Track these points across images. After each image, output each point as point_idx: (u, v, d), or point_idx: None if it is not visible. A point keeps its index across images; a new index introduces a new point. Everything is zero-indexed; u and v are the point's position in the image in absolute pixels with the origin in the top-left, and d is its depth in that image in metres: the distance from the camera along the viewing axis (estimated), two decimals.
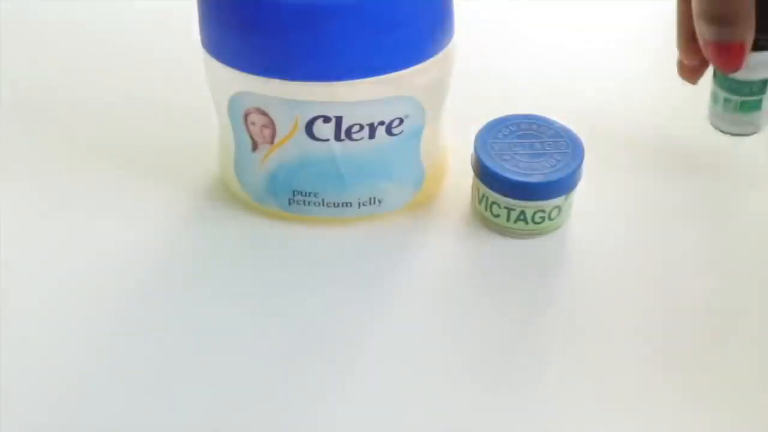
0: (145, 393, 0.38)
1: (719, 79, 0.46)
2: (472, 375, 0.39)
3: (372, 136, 0.42)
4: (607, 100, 0.52)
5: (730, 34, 0.41)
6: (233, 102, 0.42)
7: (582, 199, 0.45)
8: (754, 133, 0.47)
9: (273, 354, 0.40)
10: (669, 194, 0.47)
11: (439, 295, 0.42)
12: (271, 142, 0.42)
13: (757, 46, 0.43)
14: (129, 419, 0.37)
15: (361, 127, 0.41)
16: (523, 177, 0.43)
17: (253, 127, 0.42)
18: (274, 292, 0.42)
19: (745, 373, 0.39)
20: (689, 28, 0.44)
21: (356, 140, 0.42)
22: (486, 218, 0.45)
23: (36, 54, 0.57)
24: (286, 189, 0.44)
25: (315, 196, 0.44)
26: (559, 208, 0.44)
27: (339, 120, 0.41)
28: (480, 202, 0.45)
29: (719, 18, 0.41)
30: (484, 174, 0.44)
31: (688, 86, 0.47)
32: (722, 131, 0.47)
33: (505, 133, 0.45)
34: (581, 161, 0.43)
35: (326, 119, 0.41)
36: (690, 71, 0.46)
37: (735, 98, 0.45)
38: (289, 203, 0.45)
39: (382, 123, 0.42)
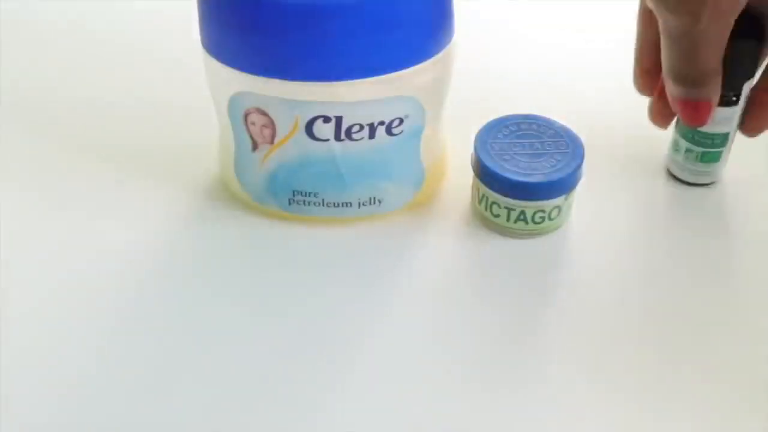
0: (145, 393, 0.38)
1: (683, 129, 0.46)
2: (472, 375, 0.39)
3: (372, 136, 0.42)
4: (607, 100, 0.52)
5: (697, 94, 0.42)
6: (233, 102, 0.42)
7: (582, 199, 0.45)
8: (711, 183, 0.47)
9: (273, 354, 0.40)
10: (669, 194, 0.47)
11: (439, 295, 0.42)
12: (271, 142, 0.42)
13: (723, 102, 0.43)
14: (129, 419, 0.37)
15: (361, 127, 0.41)
16: (523, 177, 0.43)
17: (253, 127, 0.42)
18: (274, 292, 0.42)
19: (745, 373, 0.39)
20: (648, 57, 0.44)
21: (356, 140, 0.42)
22: (486, 218, 0.45)
23: (36, 54, 0.57)
24: (286, 189, 0.44)
25: (315, 196, 0.44)
26: (559, 208, 0.44)
27: (339, 120, 0.41)
28: (480, 202, 0.45)
29: (688, 78, 0.41)
30: (484, 174, 0.44)
31: None
32: (679, 180, 0.47)
33: (505, 133, 0.45)
34: (581, 161, 0.43)
35: (326, 119, 0.41)
36: (661, 118, 0.46)
37: (697, 149, 0.46)
38: (289, 203, 0.45)
39: (382, 123, 0.42)
